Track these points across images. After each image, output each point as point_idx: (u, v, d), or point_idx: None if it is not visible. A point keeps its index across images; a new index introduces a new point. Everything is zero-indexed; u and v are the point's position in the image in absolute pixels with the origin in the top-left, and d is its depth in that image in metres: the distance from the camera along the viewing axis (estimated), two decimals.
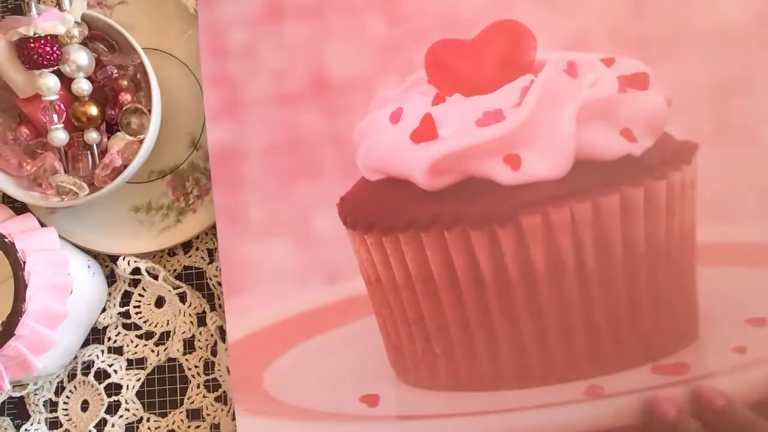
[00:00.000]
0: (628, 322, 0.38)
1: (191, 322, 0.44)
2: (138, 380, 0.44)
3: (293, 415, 0.39)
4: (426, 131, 0.38)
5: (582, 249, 0.37)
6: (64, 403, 0.44)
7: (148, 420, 0.43)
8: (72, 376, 0.44)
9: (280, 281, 0.40)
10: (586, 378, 0.38)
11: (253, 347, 0.40)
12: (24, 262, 0.36)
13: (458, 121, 0.38)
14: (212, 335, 0.43)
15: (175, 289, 0.44)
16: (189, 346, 0.44)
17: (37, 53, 0.39)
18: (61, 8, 0.40)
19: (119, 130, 0.42)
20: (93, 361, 0.44)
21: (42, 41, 0.39)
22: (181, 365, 0.44)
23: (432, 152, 0.37)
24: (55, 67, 0.40)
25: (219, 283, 0.44)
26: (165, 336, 0.44)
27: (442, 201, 0.37)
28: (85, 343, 0.44)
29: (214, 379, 0.43)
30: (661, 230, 0.37)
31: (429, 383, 0.39)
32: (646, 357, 0.38)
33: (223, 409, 0.43)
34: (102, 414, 0.43)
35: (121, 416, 0.43)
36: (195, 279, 0.45)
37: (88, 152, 0.41)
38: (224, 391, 0.43)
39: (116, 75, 0.42)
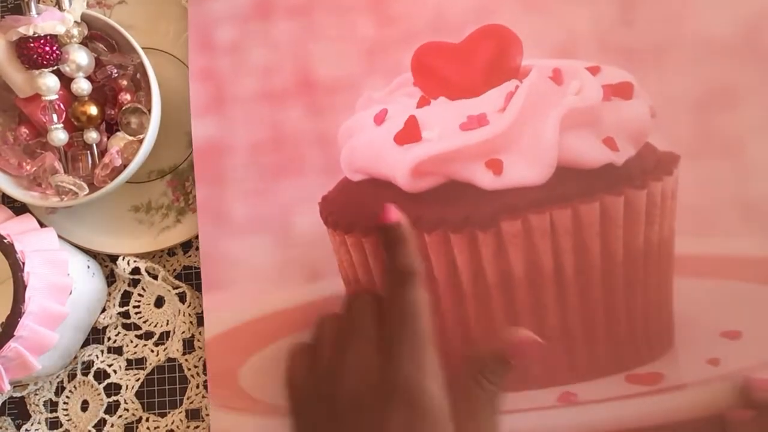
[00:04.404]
0: (604, 329, 0.38)
1: (191, 322, 0.44)
2: (137, 380, 0.44)
3: (266, 411, 0.40)
4: (410, 133, 0.38)
5: (561, 255, 0.37)
6: (64, 403, 0.44)
7: (147, 420, 0.43)
8: (72, 376, 0.44)
9: (260, 278, 0.41)
10: (560, 384, 0.38)
11: (230, 343, 0.40)
12: (23, 263, 0.36)
13: (442, 125, 0.38)
14: None
15: (174, 289, 0.44)
16: (188, 346, 0.44)
17: (37, 53, 0.39)
18: (60, 8, 0.40)
19: (119, 130, 0.42)
20: (93, 361, 0.44)
21: (42, 41, 0.39)
22: (180, 365, 0.44)
23: (415, 154, 0.37)
24: (55, 67, 0.40)
25: None
26: (164, 336, 0.44)
27: (424, 203, 0.37)
28: (85, 344, 0.44)
29: None
30: (639, 240, 0.37)
31: None
32: (620, 365, 0.38)
33: None
34: (101, 414, 0.43)
35: (120, 416, 0.43)
36: (194, 279, 0.45)
37: (88, 152, 0.41)
38: None
39: (116, 75, 0.42)
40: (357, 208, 0.39)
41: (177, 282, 0.44)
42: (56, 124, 0.40)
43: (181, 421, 0.43)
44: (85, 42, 0.41)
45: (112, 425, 0.43)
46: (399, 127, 0.38)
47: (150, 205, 0.45)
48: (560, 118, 0.36)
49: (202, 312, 0.44)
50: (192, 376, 0.43)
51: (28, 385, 0.44)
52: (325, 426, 0.32)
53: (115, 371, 0.44)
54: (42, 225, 0.42)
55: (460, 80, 0.39)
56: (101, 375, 0.44)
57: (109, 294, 0.45)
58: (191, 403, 0.43)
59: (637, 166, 0.37)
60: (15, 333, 0.36)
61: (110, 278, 0.45)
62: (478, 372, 0.32)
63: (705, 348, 0.37)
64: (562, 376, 0.38)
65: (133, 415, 0.43)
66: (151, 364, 0.44)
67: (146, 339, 0.44)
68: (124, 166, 0.41)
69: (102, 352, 0.44)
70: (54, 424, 0.44)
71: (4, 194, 0.44)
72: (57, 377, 0.44)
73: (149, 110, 0.41)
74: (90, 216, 0.45)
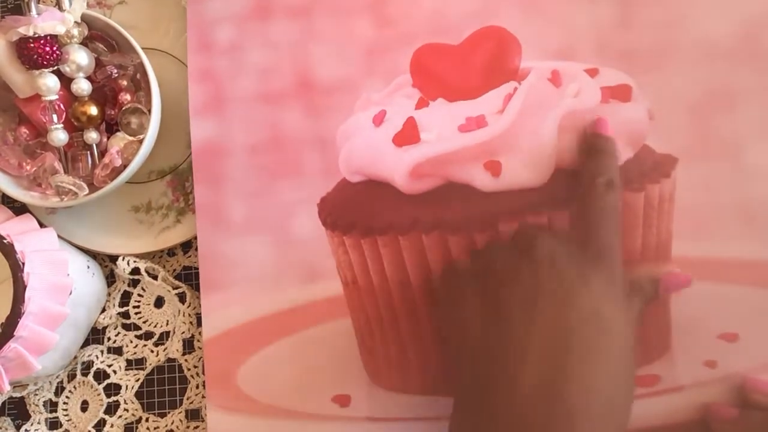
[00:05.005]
0: None
1: (190, 323, 0.44)
2: (137, 380, 0.44)
3: (265, 412, 0.40)
4: (408, 135, 0.38)
5: None
6: (64, 403, 0.44)
7: (147, 420, 0.43)
8: (72, 377, 0.44)
9: (258, 279, 0.41)
10: None
11: (228, 344, 0.40)
12: (23, 263, 0.36)
13: (441, 126, 0.38)
14: None
15: (174, 289, 0.44)
16: (188, 346, 0.44)
17: (37, 53, 0.39)
18: (60, 8, 0.40)
19: (119, 130, 0.42)
20: (92, 362, 0.44)
21: (42, 41, 0.39)
22: (180, 365, 0.44)
23: (413, 156, 0.37)
24: (55, 67, 0.40)
25: None
26: (164, 336, 0.44)
27: (422, 205, 0.37)
28: (85, 344, 0.44)
29: None
30: (637, 242, 0.37)
31: (401, 386, 0.39)
32: None
33: None
34: (101, 414, 0.43)
35: (120, 416, 0.43)
36: (194, 279, 0.45)
37: (88, 152, 0.41)
38: None
39: (116, 75, 0.42)
40: (355, 210, 0.39)
41: (177, 282, 0.44)
42: (56, 124, 0.40)
43: (180, 421, 0.43)
44: (85, 42, 0.41)
45: (112, 425, 0.43)
46: (397, 129, 0.38)
47: (150, 205, 0.45)
48: (558, 120, 0.36)
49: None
50: (192, 376, 0.43)
51: (28, 385, 0.44)
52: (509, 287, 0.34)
53: (114, 371, 0.44)
54: (42, 225, 0.42)
55: (459, 82, 0.39)
56: (101, 375, 0.44)
57: (109, 294, 0.45)
58: (191, 403, 0.43)
59: (635, 168, 0.37)
60: (15, 333, 0.36)
61: (110, 278, 0.45)
62: (633, 286, 0.35)
63: (702, 350, 0.37)
64: None
65: (133, 415, 0.43)
66: (150, 364, 0.44)
67: (146, 339, 0.44)
68: (124, 166, 0.41)
69: (102, 352, 0.44)
70: (54, 424, 0.44)
71: (4, 194, 0.44)
72: (57, 377, 0.44)
73: (149, 110, 0.41)
74: (90, 216, 0.45)
